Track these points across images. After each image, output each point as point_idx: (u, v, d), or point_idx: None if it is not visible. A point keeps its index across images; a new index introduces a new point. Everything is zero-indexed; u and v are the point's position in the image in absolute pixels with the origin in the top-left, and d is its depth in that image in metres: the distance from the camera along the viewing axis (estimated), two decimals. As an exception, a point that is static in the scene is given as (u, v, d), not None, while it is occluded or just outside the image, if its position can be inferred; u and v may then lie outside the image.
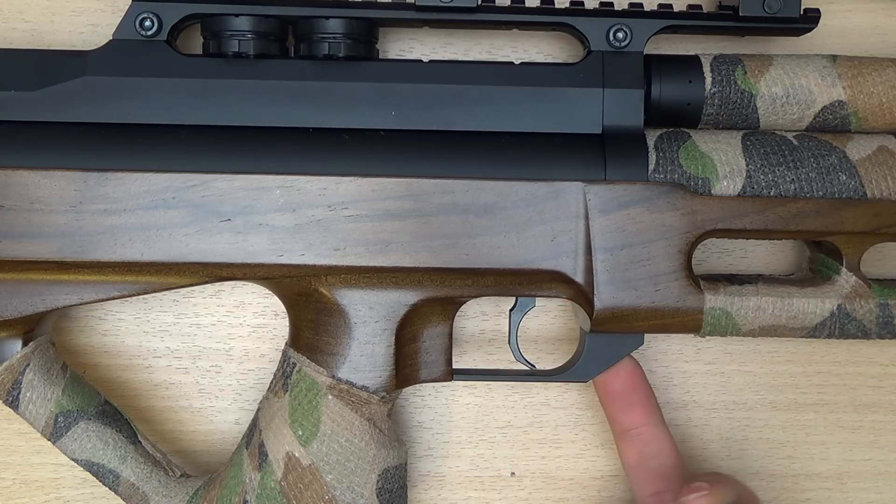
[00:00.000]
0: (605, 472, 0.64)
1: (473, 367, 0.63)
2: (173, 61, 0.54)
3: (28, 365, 0.54)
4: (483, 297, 0.59)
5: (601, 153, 0.53)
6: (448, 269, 0.53)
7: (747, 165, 0.53)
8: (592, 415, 0.64)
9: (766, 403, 0.64)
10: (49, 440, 0.55)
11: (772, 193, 0.53)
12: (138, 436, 0.57)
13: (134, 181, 0.52)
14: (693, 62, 0.55)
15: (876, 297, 0.55)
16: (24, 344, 0.54)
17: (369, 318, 0.54)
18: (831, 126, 0.56)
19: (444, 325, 0.56)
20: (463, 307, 0.60)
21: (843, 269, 0.55)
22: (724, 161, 0.54)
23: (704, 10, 0.55)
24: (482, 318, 0.64)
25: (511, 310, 0.58)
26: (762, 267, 0.64)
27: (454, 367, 0.57)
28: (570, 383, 0.61)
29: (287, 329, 0.58)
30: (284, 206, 0.52)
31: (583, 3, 0.55)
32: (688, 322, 0.54)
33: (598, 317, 0.53)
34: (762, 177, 0.53)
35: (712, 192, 0.53)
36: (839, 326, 0.55)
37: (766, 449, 0.65)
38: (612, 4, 0.55)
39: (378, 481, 0.55)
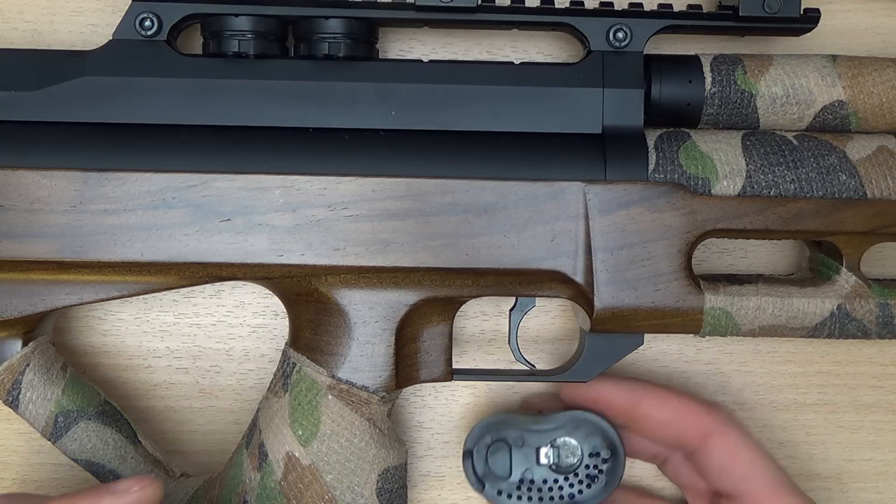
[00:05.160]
0: (605, 472, 0.64)
1: (473, 367, 0.63)
2: (173, 61, 0.54)
3: (28, 365, 0.54)
4: (483, 297, 0.59)
5: (601, 153, 0.53)
6: (448, 269, 0.53)
7: (747, 165, 0.53)
8: (592, 415, 0.64)
9: (766, 403, 0.64)
10: (49, 440, 0.55)
11: (772, 193, 0.53)
12: (138, 436, 0.57)
13: (134, 181, 0.52)
14: (693, 62, 0.55)
15: (876, 297, 0.55)
16: (24, 344, 0.54)
17: (369, 318, 0.54)
18: (831, 126, 0.56)
19: (444, 325, 0.56)
20: (463, 307, 0.60)
21: (843, 269, 0.55)
22: (724, 161, 0.53)
23: (704, 10, 0.55)
24: (482, 318, 0.64)
25: (511, 310, 0.58)
26: (762, 267, 0.64)
27: (454, 367, 0.57)
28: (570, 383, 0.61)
29: (287, 329, 0.58)
30: (284, 206, 0.52)
31: (583, 3, 0.55)
32: (688, 322, 0.54)
33: (598, 317, 0.53)
34: (762, 177, 0.53)
35: (712, 192, 0.53)
36: (839, 326, 0.55)
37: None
38: (612, 4, 0.55)
39: (378, 481, 0.55)
